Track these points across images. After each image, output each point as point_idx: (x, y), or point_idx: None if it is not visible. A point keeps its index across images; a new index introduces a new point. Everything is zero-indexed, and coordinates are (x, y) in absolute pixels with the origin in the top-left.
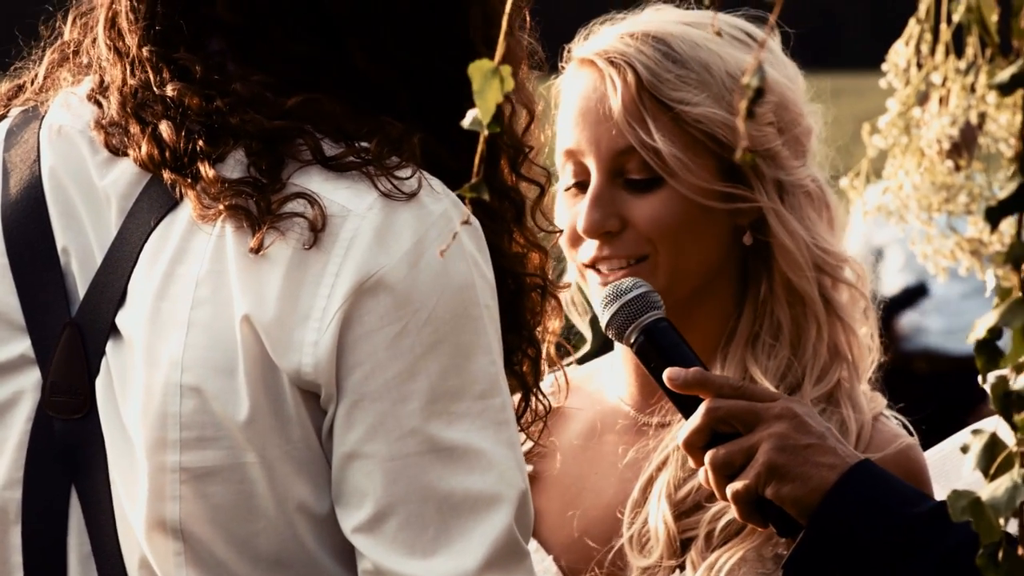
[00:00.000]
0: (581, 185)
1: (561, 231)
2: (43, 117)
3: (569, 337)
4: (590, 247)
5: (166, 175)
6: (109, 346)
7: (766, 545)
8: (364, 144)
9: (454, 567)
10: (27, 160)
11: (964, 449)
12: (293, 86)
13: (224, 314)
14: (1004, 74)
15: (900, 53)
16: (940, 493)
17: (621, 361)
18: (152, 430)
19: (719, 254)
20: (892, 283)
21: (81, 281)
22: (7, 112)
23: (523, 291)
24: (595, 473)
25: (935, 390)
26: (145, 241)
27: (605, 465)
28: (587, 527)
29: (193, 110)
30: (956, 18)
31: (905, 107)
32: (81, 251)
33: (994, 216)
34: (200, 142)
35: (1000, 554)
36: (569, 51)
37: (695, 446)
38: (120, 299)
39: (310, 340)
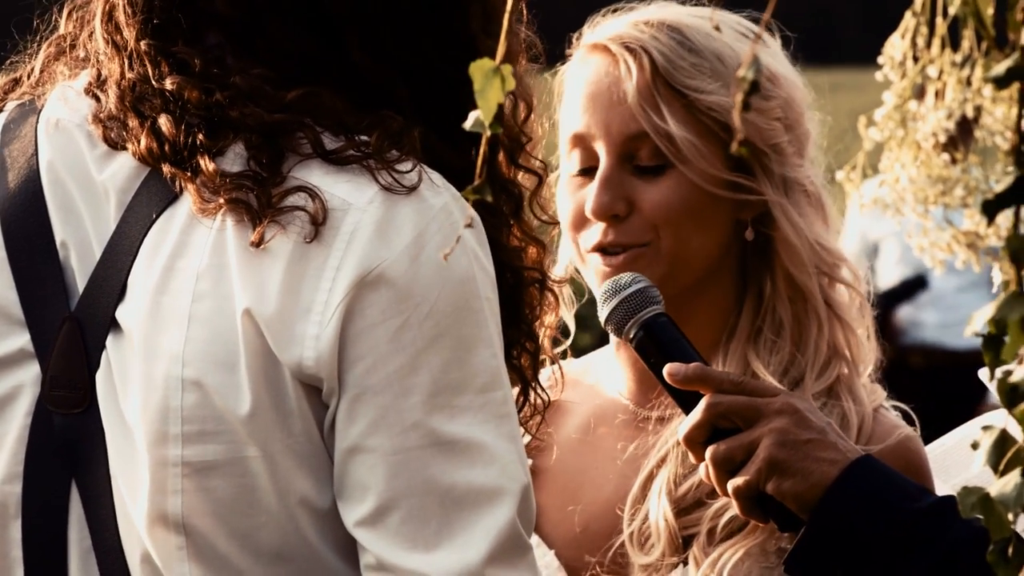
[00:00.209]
0: (588, 170)
1: (558, 223)
2: (40, 111)
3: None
4: (595, 232)
5: (165, 169)
6: (109, 340)
7: (769, 540)
8: (364, 138)
9: (457, 561)
10: (25, 154)
11: (974, 445)
12: (292, 80)
13: (225, 308)
14: (1000, 67)
15: (896, 46)
16: (941, 488)
17: (618, 355)
18: (153, 424)
19: (720, 246)
20: (888, 276)
21: (80, 275)
22: (3, 106)
23: (522, 285)
24: (595, 468)
25: (931, 384)
26: (145, 235)
27: (604, 460)
28: (588, 522)
29: (192, 103)
30: (952, 11)
31: (901, 100)
32: (80, 245)
33: (991, 209)
34: (200, 136)
35: (1010, 550)
36: (577, 39)
37: (695, 442)
38: (120, 293)
39: (311, 334)
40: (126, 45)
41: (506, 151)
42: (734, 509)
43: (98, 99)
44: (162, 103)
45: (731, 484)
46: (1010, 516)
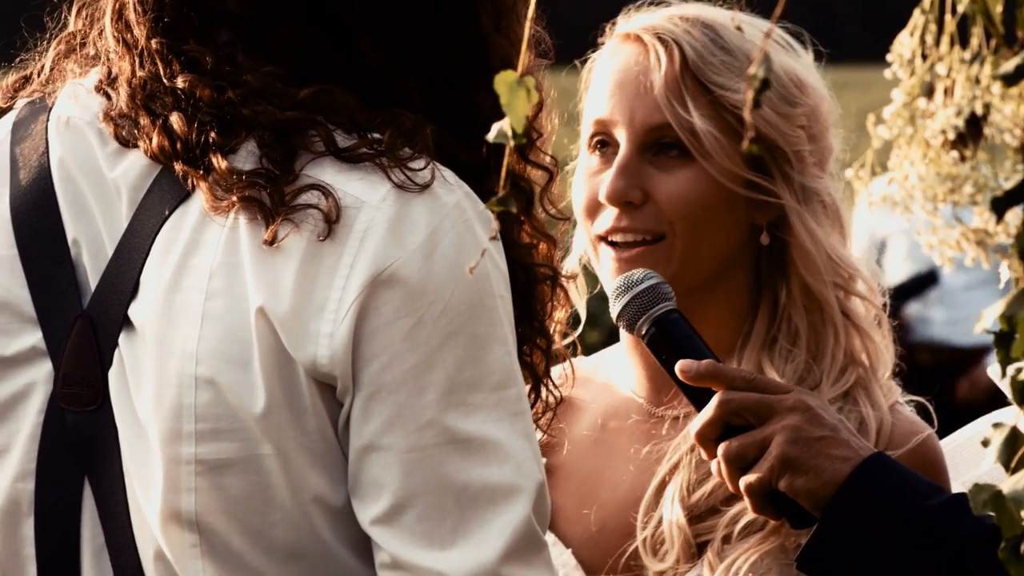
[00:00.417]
0: (606, 156)
1: (568, 218)
2: (50, 109)
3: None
4: (608, 217)
5: (178, 167)
6: (122, 338)
7: (788, 539)
8: (377, 135)
9: (473, 558)
10: (35, 152)
11: (985, 443)
12: (303, 78)
13: (238, 306)
14: (1009, 64)
15: (905, 44)
16: (952, 485)
17: (630, 353)
18: (167, 422)
19: (734, 247)
20: (896, 273)
21: (92, 273)
22: (12, 104)
23: (534, 281)
24: (609, 467)
25: (939, 382)
26: (157, 233)
27: (619, 459)
28: (604, 522)
29: (204, 101)
30: (961, 8)
31: (910, 98)
32: (91, 243)
33: (1000, 206)
34: (212, 134)
35: (1022, 547)
36: (612, 27)
37: (708, 438)
38: (132, 291)
39: (325, 331)
40: (136, 43)
41: (517, 147)
42: (749, 514)
43: (109, 97)
44: (174, 101)
45: (743, 481)
46: (1022, 513)
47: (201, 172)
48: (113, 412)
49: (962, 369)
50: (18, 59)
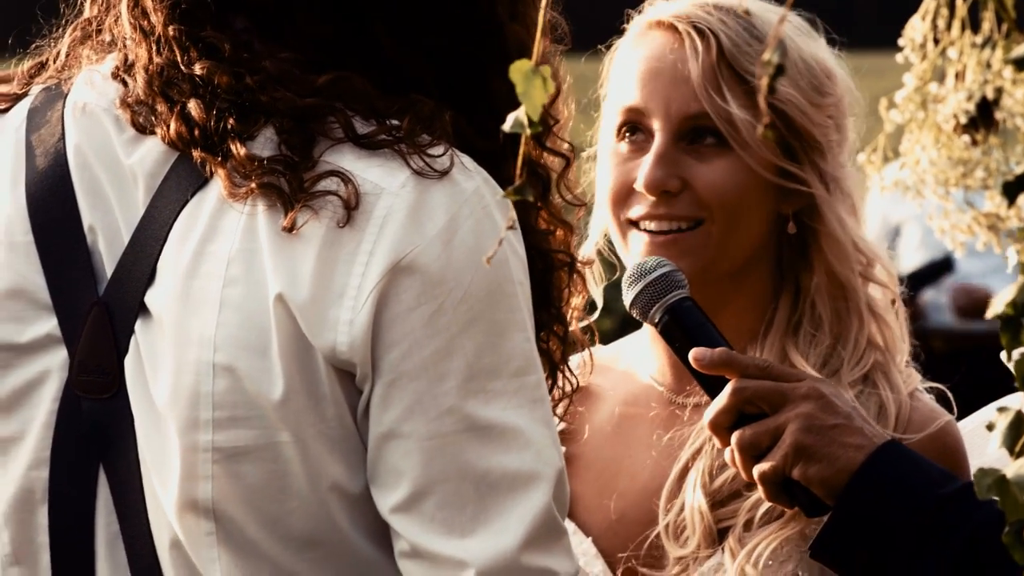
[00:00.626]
0: (636, 143)
1: (585, 204)
2: (66, 95)
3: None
4: (642, 204)
5: (196, 153)
6: (138, 325)
7: (808, 525)
8: (395, 122)
9: (493, 546)
10: (51, 138)
11: (990, 427)
12: (320, 65)
13: (257, 293)
14: (1020, 49)
15: (916, 28)
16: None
17: (652, 341)
18: (184, 410)
19: (762, 235)
20: (910, 260)
21: (108, 260)
22: (28, 90)
23: (551, 268)
24: (629, 456)
25: (953, 368)
26: (174, 219)
27: (639, 447)
28: (624, 510)
29: (222, 88)
30: None
31: (922, 82)
32: (108, 229)
33: (1012, 191)
34: (230, 120)
35: None
36: (638, 13)
37: (721, 426)
38: (149, 278)
39: (345, 319)
40: (153, 30)
41: (534, 135)
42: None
43: (125, 84)
44: (191, 88)
45: (757, 469)
46: None
47: (219, 159)
48: (129, 400)
49: (976, 356)
50: (34, 45)
